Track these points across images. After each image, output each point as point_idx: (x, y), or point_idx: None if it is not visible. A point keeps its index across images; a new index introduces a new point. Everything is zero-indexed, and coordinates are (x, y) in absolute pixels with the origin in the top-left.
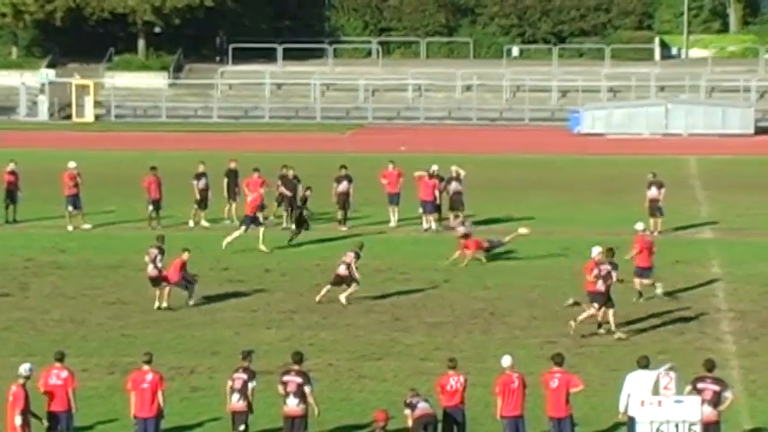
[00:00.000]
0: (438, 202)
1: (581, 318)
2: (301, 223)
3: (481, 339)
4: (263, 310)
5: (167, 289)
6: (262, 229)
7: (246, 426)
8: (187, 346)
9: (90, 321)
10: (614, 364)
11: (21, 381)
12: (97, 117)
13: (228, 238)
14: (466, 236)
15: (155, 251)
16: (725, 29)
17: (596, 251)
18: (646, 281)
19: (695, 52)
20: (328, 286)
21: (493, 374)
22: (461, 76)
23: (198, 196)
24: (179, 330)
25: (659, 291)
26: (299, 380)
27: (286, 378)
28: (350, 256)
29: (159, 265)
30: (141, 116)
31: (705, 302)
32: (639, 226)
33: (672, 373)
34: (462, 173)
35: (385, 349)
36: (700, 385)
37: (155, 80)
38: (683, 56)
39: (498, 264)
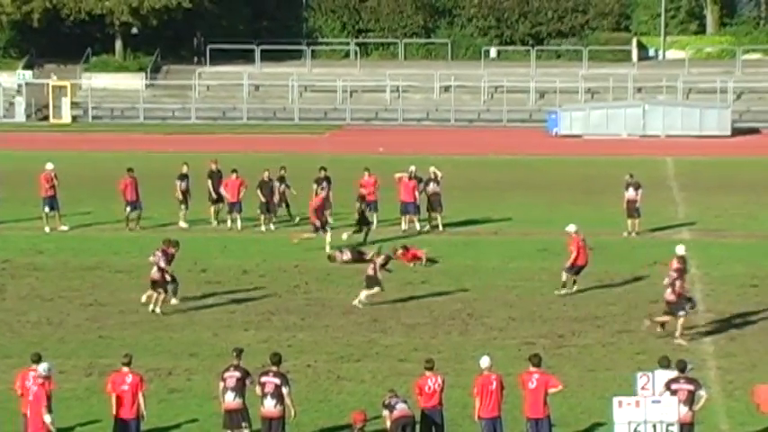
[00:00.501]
0: (418, 202)
1: (659, 319)
2: (364, 222)
3: (459, 340)
4: (241, 311)
5: (164, 296)
6: (328, 234)
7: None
8: (165, 348)
9: (67, 323)
10: (592, 364)
11: (40, 381)
12: (74, 118)
13: (301, 237)
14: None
15: (159, 253)
16: (702, 30)
17: (681, 250)
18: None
19: (672, 53)
20: (374, 290)
21: (471, 375)
22: (439, 77)
23: (180, 197)
24: (157, 332)
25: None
26: (276, 381)
27: (264, 379)
28: (381, 259)
29: (162, 265)
30: (119, 117)
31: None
32: (571, 228)
33: (650, 374)
34: (440, 174)
35: (363, 350)
36: (674, 386)
37: (132, 81)
38: (660, 57)
39: (476, 264)
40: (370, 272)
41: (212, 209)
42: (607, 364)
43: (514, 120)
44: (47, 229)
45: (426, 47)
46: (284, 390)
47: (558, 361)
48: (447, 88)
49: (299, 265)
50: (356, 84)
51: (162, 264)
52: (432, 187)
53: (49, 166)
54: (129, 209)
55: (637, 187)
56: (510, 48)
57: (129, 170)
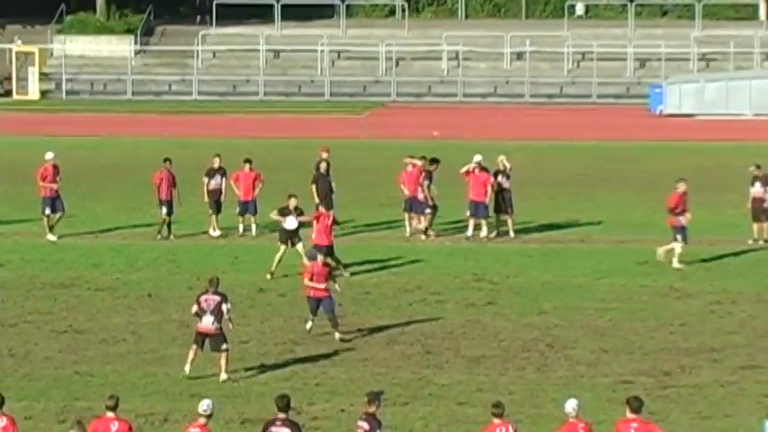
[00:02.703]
0: (488, 201)
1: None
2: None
3: (536, 378)
4: (256, 340)
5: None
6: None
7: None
8: (159, 387)
9: (35, 355)
10: (707, 409)
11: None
12: (44, 93)
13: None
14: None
15: (215, 298)
16: None
17: None
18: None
19: None
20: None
21: (551, 423)
22: (510, 40)
23: (207, 198)
24: (148, 367)
25: None
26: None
27: (273, 429)
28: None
29: (226, 315)
30: (100, 93)
31: None
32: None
33: None
34: (509, 165)
35: (413, 391)
36: None
37: (117, 47)
38: None
39: (558, 281)
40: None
41: (214, 218)
42: (726, 409)
43: (607, 95)
44: (51, 237)
45: (494, 2)
46: None
47: (663, 405)
48: (520, 55)
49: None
50: (403, 49)
51: (220, 312)
52: (501, 182)
53: (49, 155)
54: (165, 210)
55: (765, 182)
56: (601, 2)
57: (166, 160)
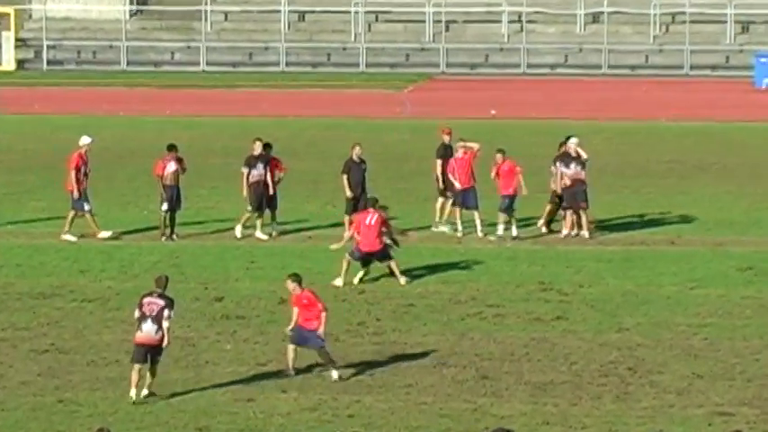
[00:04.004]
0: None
1: None
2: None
3: (615, 409)
4: (276, 361)
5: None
6: None
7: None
8: (159, 419)
9: (10, 379)
10: None
11: None
12: (20, 63)
13: None
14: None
15: (159, 302)
16: None
17: None
18: None
19: None
20: None
21: None
22: (585, 0)
23: (246, 192)
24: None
25: None
26: None
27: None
28: None
29: (165, 324)
30: (89, 62)
31: None
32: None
33: None
34: (584, 155)
35: (467, 424)
36: None
37: (109, 7)
38: None
39: (642, 291)
40: None
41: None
42: None
43: (702, 66)
44: (70, 237)
45: None
46: None
47: None
48: (596, 17)
49: (367, 292)
50: (455, 10)
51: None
52: (572, 170)
53: (85, 140)
54: (165, 207)
55: None
56: None
57: (171, 148)
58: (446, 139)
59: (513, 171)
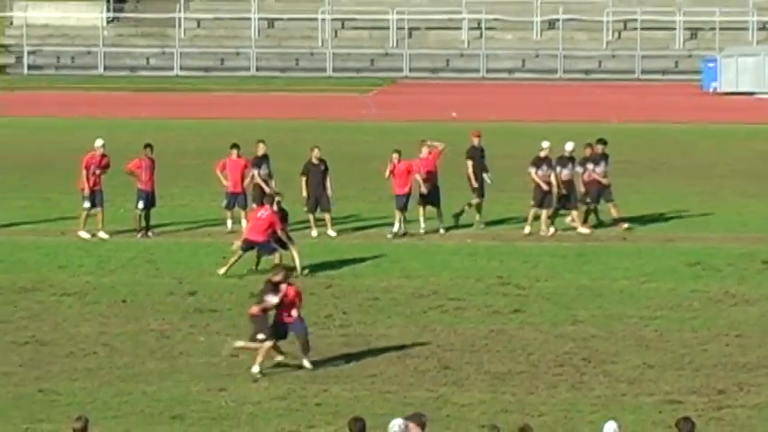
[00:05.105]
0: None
1: None
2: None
3: (570, 397)
4: (247, 353)
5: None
6: None
7: None
8: (135, 408)
9: None
10: None
11: None
12: (2, 68)
13: None
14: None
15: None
16: None
17: None
18: None
19: None
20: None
21: None
22: (541, 7)
23: (252, 190)
24: (123, 384)
25: None
26: None
27: None
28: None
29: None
30: (67, 67)
31: None
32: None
33: None
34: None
35: (428, 411)
36: None
37: (87, 14)
38: None
39: (595, 285)
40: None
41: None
42: None
43: (652, 70)
44: (84, 234)
45: None
46: None
47: (717, 428)
48: (552, 23)
49: (333, 286)
50: (417, 17)
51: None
52: (568, 173)
53: (99, 142)
54: (141, 205)
55: None
56: None
57: (147, 146)
58: (475, 141)
59: (408, 171)
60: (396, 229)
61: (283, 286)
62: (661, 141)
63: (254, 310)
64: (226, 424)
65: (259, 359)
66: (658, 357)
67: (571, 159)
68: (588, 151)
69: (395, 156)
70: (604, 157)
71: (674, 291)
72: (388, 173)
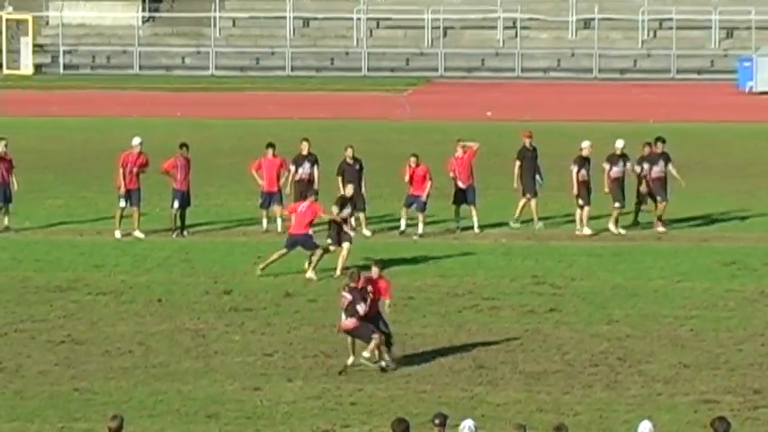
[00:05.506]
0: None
1: None
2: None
3: (605, 397)
4: (282, 353)
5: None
6: None
7: None
8: (170, 407)
9: (27, 369)
10: None
11: None
12: (38, 68)
13: None
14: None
15: (348, 296)
16: None
17: None
18: None
19: None
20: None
21: None
22: (576, 6)
23: (288, 189)
24: (158, 383)
25: None
26: None
27: None
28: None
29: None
30: (103, 67)
31: None
32: None
33: None
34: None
35: (464, 411)
36: None
37: (123, 13)
38: None
39: (630, 285)
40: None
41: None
42: None
43: (688, 70)
44: (117, 234)
45: None
46: None
47: (752, 428)
48: (587, 22)
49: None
50: (453, 17)
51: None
52: (582, 172)
53: (136, 140)
54: (176, 204)
55: None
56: None
57: (183, 146)
58: (527, 142)
59: (425, 176)
60: (402, 227)
61: (369, 287)
62: (696, 141)
63: (350, 324)
64: (261, 423)
65: (375, 352)
66: (694, 357)
67: (622, 157)
68: (647, 150)
69: (412, 160)
70: (663, 155)
71: (709, 290)
72: (407, 177)
